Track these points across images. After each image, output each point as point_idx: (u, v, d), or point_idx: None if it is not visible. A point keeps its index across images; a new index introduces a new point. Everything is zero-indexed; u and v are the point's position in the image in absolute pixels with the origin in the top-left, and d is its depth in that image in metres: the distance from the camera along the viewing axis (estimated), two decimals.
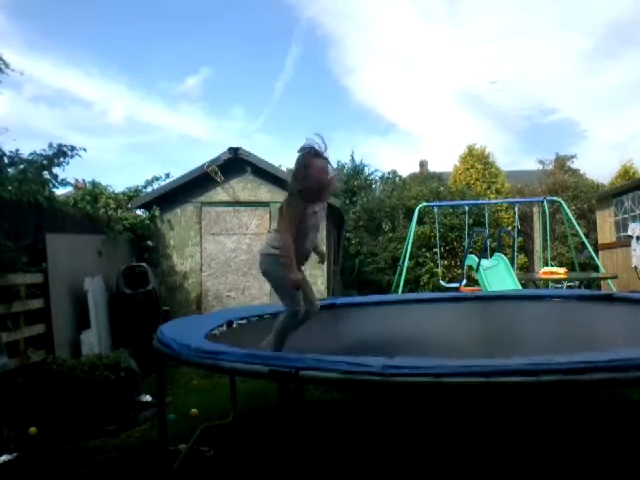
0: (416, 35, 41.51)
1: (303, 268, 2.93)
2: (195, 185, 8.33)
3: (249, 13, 39.55)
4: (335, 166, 16.00)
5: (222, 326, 3.50)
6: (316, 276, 8.32)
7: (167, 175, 9.33)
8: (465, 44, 41.50)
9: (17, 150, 4.66)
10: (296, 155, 2.78)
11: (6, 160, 4.58)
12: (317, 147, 2.72)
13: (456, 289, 8.98)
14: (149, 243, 7.94)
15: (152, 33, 41.07)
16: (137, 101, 42.73)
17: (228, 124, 42.22)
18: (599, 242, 11.60)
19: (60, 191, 6.68)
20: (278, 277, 2.78)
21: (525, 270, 12.58)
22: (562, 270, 8.76)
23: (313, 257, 3.05)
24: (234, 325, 3.67)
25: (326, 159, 2.75)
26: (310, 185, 2.68)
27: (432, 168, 19.76)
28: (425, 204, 10.80)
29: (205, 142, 40.91)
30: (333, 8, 39.27)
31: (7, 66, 4.42)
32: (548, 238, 10.64)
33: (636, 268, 9.64)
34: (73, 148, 5.05)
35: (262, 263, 2.90)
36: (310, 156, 2.71)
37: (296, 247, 2.74)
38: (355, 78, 45.02)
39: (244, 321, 3.83)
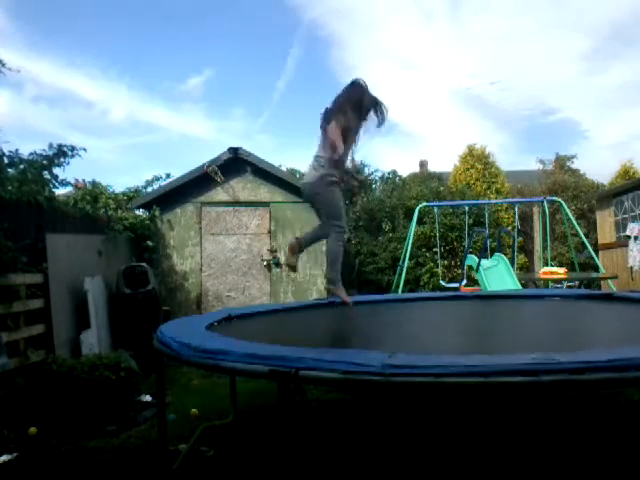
0: (417, 36, 41.56)
1: None
2: (195, 185, 8.33)
3: (251, 14, 39.58)
4: None
5: (222, 321, 3.50)
6: (316, 276, 8.33)
7: (168, 175, 9.34)
8: (466, 45, 41.53)
9: (17, 150, 4.66)
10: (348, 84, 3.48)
11: (6, 160, 4.58)
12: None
13: (456, 289, 8.97)
14: (149, 243, 7.94)
15: (154, 34, 41.11)
16: (138, 101, 42.80)
17: (229, 124, 42.29)
18: (599, 242, 11.60)
19: (60, 191, 6.68)
20: (329, 196, 3.27)
21: (525, 270, 12.57)
22: (562, 270, 8.76)
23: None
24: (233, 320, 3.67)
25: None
26: (363, 104, 3.31)
27: (432, 168, 19.75)
28: (425, 204, 10.79)
29: (206, 142, 40.99)
30: (335, 9, 39.30)
31: (3, 65, 4.41)
32: (548, 238, 10.63)
33: (631, 268, 9.65)
34: (73, 148, 5.05)
35: (313, 186, 3.34)
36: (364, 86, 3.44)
37: (346, 157, 3.39)
38: None
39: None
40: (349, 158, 3.49)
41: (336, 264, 3.27)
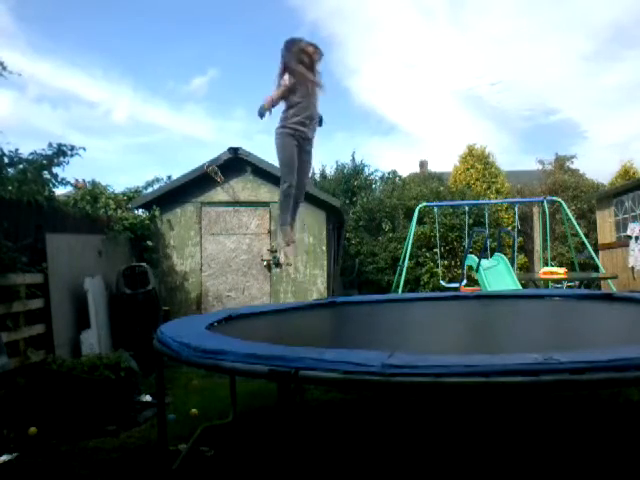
0: (418, 37, 41.58)
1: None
2: (195, 185, 8.32)
3: (253, 14, 39.58)
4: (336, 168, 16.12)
5: (222, 321, 3.50)
6: (316, 276, 8.32)
7: (169, 177, 9.35)
8: (467, 46, 41.50)
9: (17, 150, 4.65)
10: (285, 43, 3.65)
11: (6, 160, 4.57)
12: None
13: (456, 289, 8.97)
14: (149, 243, 7.93)
15: (157, 35, 41.11)
16: (140, 102, 42.78)
17: (230, 124, 42.28)
18: (599, 242, 11.60)
19: (60, 191, 6.69)
20: (278, 146, 3.48)
21: (525, 270, 12.58)
22: (562, 270, 8.76)
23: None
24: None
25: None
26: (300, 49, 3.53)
27: (432, 168, 19.80)
28: (425, 204, 10.79)
29: (208, 143, 41.01)
30: (336, 10, 39.30)
31: (4, 68, 4.41)
32: (548, 238, 10.64)
33: (633, 268, 9.65)
34: (73, 148, 5.04)
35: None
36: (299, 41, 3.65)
37: (305, 104, 3.48)
38: (357, 79, 45.07)
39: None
40: (313, 104, 3.66)
41: (282, 208, 3.56)
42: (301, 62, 3.57)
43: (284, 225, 3.60)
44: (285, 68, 3.61)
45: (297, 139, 3.55)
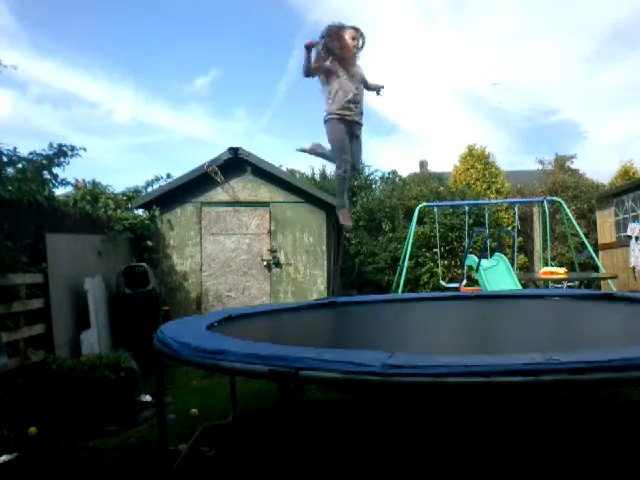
0: (419, 37, 41.55)
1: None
2: (195, 185, 8.33)
3: (254, 15, 39.57)
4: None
5: (222, 321, 3.50)
6: (316, 276, 8.32)
7: (168, 175, 9.32)
8: (468, 46, 41.47)
9: (15, 148, 4.64)
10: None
11: (5, 159, 4.57)
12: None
13: (456, 289, 8.97)
14: (149, 243, 7.93)
15: (159, 35, 41.08)
16: (142, 102, 42.72)
17: (231, 125, 42.22)
18: (599, 242, 11.60)
19: (60, 191, 6.69)
20: (327, 133, 3.53)
21: (525, 270, 12.57)
22: (562, 270, 8.75)
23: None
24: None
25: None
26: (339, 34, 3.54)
27: (432, 168, 19.79)
28: (425, 204, 10.79)
29: (209, 143, 40.98)
30: (337, 10, 39.27)
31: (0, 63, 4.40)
32: (548, 238, 10.64)
33: (634, 268, 9.65)
34: (73, 148, 5.05)
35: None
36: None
37: (344, 87, 3.50)
38: None
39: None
40: (354, 88, 3.64)
41: (339, 192, 3.66)
42: (337, 49, 3.52)
43: (340, 207, 3.75)
44: (327, 49, 3.54)
45: (344, 123, 3.56)
